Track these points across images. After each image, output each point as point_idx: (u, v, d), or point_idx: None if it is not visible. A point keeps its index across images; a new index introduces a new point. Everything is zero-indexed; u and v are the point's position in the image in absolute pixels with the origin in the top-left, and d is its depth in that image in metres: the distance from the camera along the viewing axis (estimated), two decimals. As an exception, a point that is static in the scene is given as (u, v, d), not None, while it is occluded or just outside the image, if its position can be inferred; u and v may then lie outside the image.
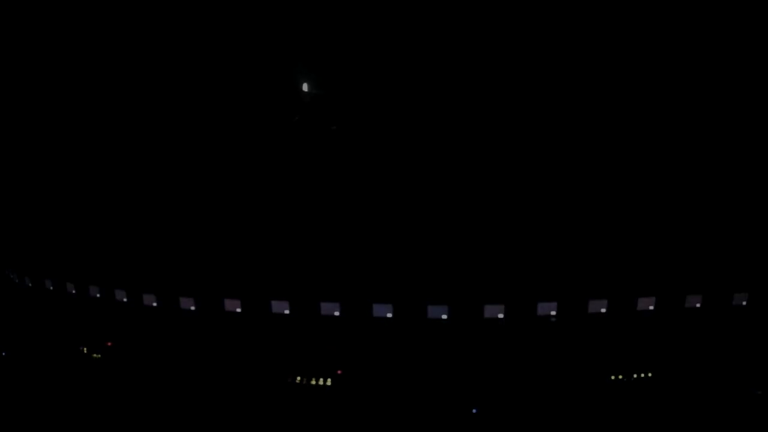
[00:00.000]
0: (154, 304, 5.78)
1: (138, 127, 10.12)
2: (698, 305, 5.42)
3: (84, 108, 9.78)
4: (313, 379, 5.06)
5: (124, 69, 9.69)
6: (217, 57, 9.72)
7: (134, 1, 8.86)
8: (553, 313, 5.20)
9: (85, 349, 5.74)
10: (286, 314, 5.36)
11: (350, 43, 9.38)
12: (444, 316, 5.10)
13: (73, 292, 6.19)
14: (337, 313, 5.31)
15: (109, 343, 5.71)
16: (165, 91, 9.98)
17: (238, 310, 5.47)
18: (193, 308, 5.61)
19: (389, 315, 5.21)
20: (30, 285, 6.64)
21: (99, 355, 5.69)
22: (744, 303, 5.50)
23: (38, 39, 9.10)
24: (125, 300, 5.90)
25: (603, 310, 5.26)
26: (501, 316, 5.12)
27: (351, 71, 9.80)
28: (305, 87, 9.12)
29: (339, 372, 5.05)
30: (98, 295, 6.04)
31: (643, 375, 5.08)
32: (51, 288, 6.37)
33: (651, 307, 5.35)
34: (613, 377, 5.04)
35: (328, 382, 5.03)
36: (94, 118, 9.89)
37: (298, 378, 5.09)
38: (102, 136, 9.99)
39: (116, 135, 10.09)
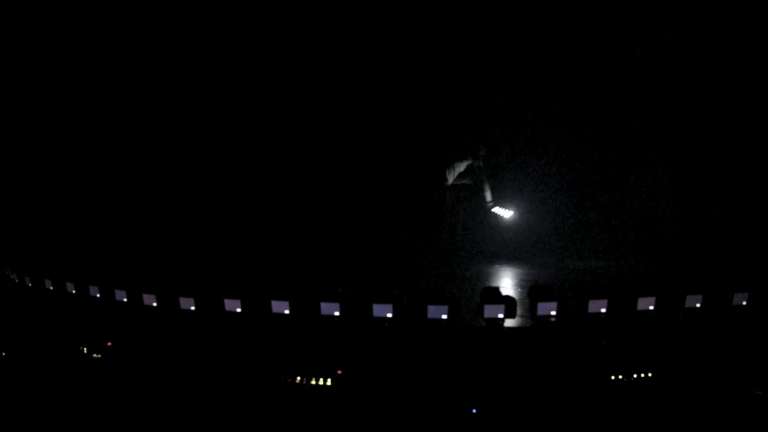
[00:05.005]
0: (154, 304, 5.79)
1: (139, 126, 10.13)
2: (698, 305, 5.42)
3: (84, 108, 9.78)
4: (313, 379, 5.06)
5: (125, 69, 9.69)
6: (213, 56, 9.73)
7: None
8: (553, 313, 5.21)
9: (85, 349, 5.75)
10: (286, 314, 5.37)
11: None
12: (444, 317, 5.11)
13: (73, 292, 6.19)
14: (337, 313, 5.31)
15: (109, 343, 5.72)
16: (165, 91, 9.99)
17: (238, 310, 5.48)
18: (193, 308, 5.62)
19: (389, 315, 5.22)
20: (30, 285, 6.65)
21: (99, 355, 5.70)
22: (744, 303, 5.50)
23: (38, 39, 9.10)
24: (125, 300, 5.91)
25: (603, 310, 5.27)
26: (501, 315, 5.12)
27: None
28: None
29: (339, 372, 5.05)
30: (98, 295, 6.05)
31: (643, 375, 5.09)
32: (51, 288, 6.38)
33: (651, 307, 5.35)
34: (613, 377, 5.05)
35: (329, 382, 5.04)
36: (95, 118, 9.90)
37: (298, 378, 5.09)
38: (102, 135, 9.99)
39: (117, 135, 10.10)
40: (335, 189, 10.30)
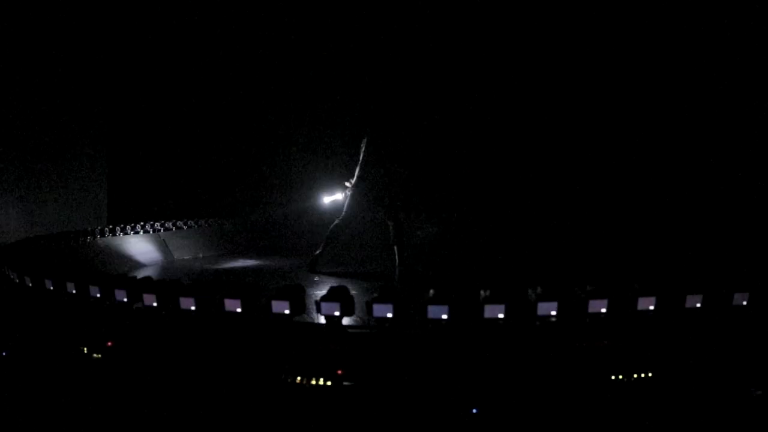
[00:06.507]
0: (154, 304, 5.79)
1: (142, 124, 10.13)
2: (698, 305, 5.43)
3: (83, 106, 9.78)
4: (314, 379, 5.06)
5: (126, 68, 9.67)
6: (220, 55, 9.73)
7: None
8: (553, 312, 5.21)
9: (85, 349, 5.75)
10: (286, 314, 5.38)
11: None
12: (444, 316, 5.12)
13: (73, 292, 6.20)
14: (337, 313, 5.32)
15: (109, 343, 5.72)
16: (164, 90, 9.99)
17: (238, 310, 5.48)
18: (193, 308, 5.62)
19: (389, 315, 5.23)
20: (30, 285, 6.66)
21: (99, 355, 5.70)
22: (744, 303, 5.51)
23: (38, 38, 9.08)
24: (125, 300, 5.91)
25: (603, 310, 5.27)
26: (501, 316, 5.12)
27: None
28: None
29: (339, 372, 5.06)
30: (98, 295, 6.05)
31: (643, 375, 5.09)
32: (51, 288, 6.38)
33: (651, 307, 5.36)
34: (613, 377, 5.05)
35: (329, 382, 5.04)
36: (94, 116, 9.89)
37: (298, 378, 5.09)
38: (104, 135, 9.99)
39: (118, 134, 10.09)
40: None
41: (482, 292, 5.40)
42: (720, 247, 8.14)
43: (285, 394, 5.09)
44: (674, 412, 4.87)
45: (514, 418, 4.76)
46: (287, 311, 5.39)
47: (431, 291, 5.40)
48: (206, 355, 5.44)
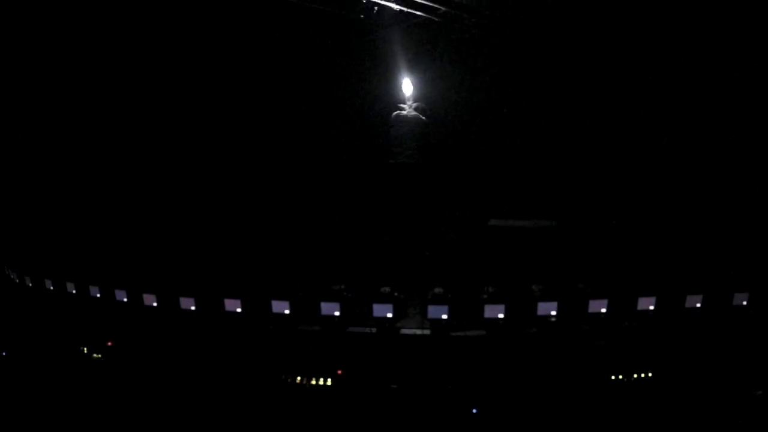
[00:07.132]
0: (154, 304, 5.79)
1: (138, 126, 10.12)
2: (698, 305, 5.43)
3: (84, 108, 9.78)
4: (313, 379, 5.06)
5: (126, 72, 9.68)
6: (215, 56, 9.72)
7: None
8: (553, 312, 5.21)
9: (85, 349, 5.74)
10: (287, 314, 5.37)
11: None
12: (444, 316, 5.11)
13: (73, 292, 6.19)
14: (337, 313, 5.32)
15: (109, 343, 5.72)
16: (166, 91, 9.98)
17: (238, 310, 5.48)
18: (193, 308, 5.62)
19: (389, 315, 5.23)
20: (30, 285, 6.65)
21: (99, 355, 5.70)
22: (744, 303, 5.51)
23: (39, 39, 9.08)
24: (125, 300, 5.91)
25: (603, 310, 5.27)
26: (501, 316, 5.12)
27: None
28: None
29: (339, 372, 5.05)
30: (98, 295, 6.04)
31: (643, 375, 5.09)
32: (51, 288, 6.38)
33: (651, 307, 5.36)
34: (613, 377, 5.05)
35: (329, 382, 5.04)
36: (95, 117, 9.89)
37: (298, 378, 5.09)
38: (102, 135, 9.99)
39: (117, 134, 10.10)
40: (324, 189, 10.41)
41: (485, 289, 5.41)
42: (720, 247, 8.13)
43: (285, 394, 5.09)
44: (674, 412, 4.87)
45: (514, 418, 4.76)
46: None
47: (436, 290, 5.41)
48: (206, 355, 5.44)
